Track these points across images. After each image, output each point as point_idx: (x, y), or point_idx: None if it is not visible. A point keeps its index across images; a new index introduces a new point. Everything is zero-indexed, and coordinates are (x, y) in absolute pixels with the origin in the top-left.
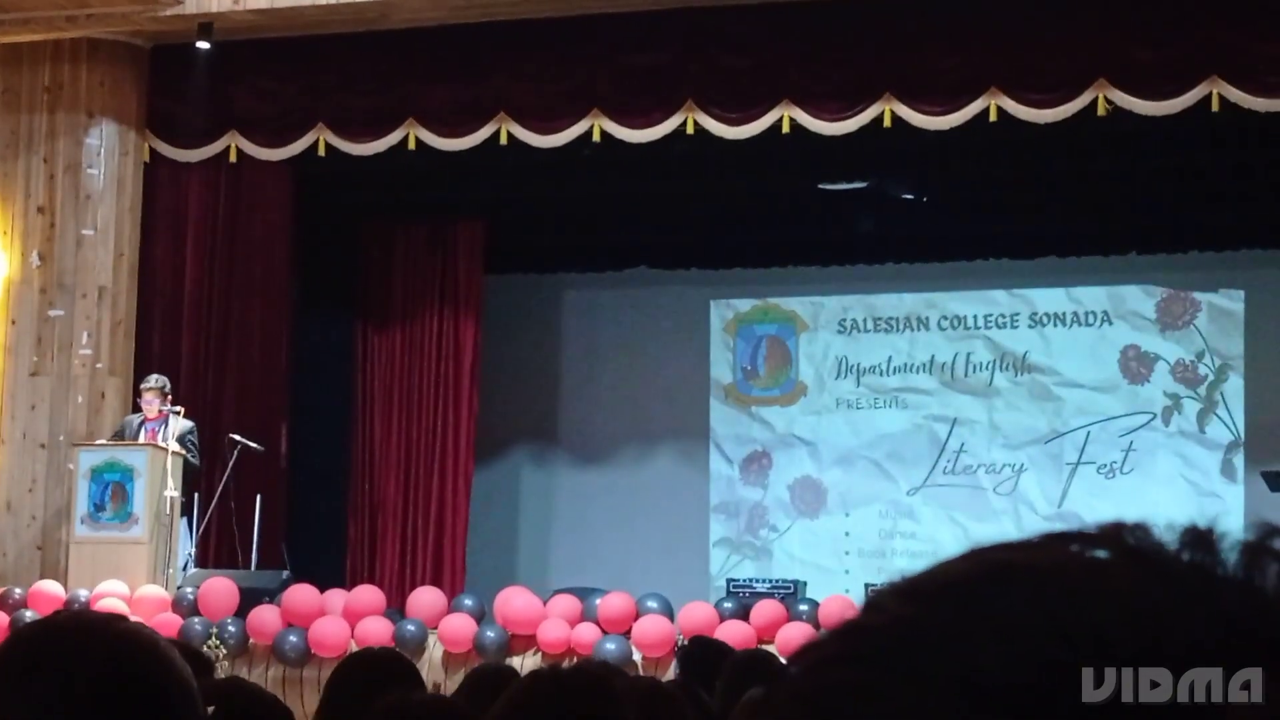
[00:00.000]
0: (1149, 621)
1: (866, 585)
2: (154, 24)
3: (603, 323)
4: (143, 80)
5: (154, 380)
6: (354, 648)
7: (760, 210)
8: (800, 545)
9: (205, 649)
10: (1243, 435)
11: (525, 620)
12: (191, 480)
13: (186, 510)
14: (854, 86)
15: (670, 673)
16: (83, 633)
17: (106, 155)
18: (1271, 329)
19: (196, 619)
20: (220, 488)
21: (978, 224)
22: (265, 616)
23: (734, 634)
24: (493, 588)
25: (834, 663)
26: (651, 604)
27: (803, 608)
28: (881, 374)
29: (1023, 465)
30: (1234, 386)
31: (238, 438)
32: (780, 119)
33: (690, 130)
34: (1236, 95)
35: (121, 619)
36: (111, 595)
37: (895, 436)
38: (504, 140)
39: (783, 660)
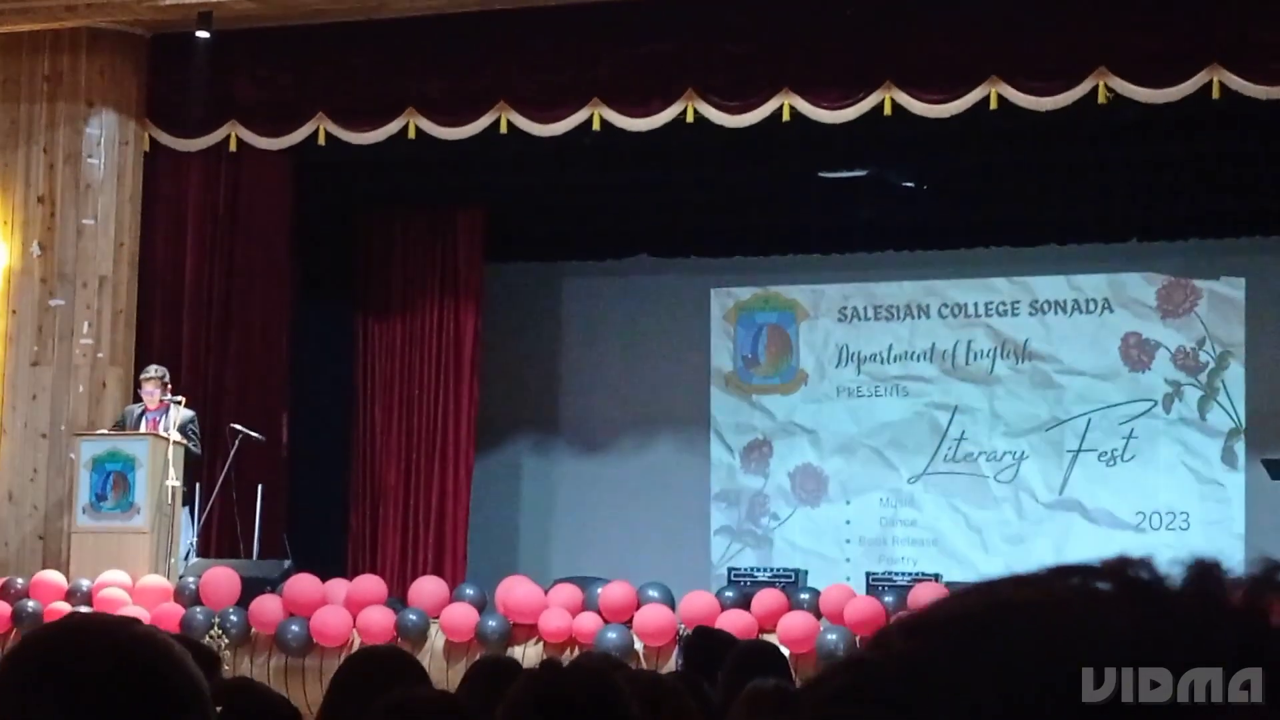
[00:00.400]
0: (1149, 658)
1: (868, 574)
2: (154, 13)
3: (603, 311)
4: (143, 70)
5: (154, 370)
6: (356, 637)
7: (761, 198)
8: (801, 533)
9: (207, 639)
10: (1244, 422)
11: (527, 610)
12: (193, 470)
13: (188, 500)
14: (854, 75)
15: (672, 662)
16: (98, 636)
17: (107, 145)
18: (1272, 316)
19: (198, 609)
20: (221, 477)
21: (978, 212)
22: (267, 606)
23: (735, 623)
24: (494, 577)
25: (840, 698)
26: (653, 593)
27: (804, 596)
28: (882, 362)
29: (1024, 453)
30: (1235, 374)
31: (239, 427)
32: (780, 107)
33: (690, 119)
34: (1237, 83)
35: (135, 622)
36: (113, 585)
37: (896, 424)
38: (504, 129)
39: (784, 651)
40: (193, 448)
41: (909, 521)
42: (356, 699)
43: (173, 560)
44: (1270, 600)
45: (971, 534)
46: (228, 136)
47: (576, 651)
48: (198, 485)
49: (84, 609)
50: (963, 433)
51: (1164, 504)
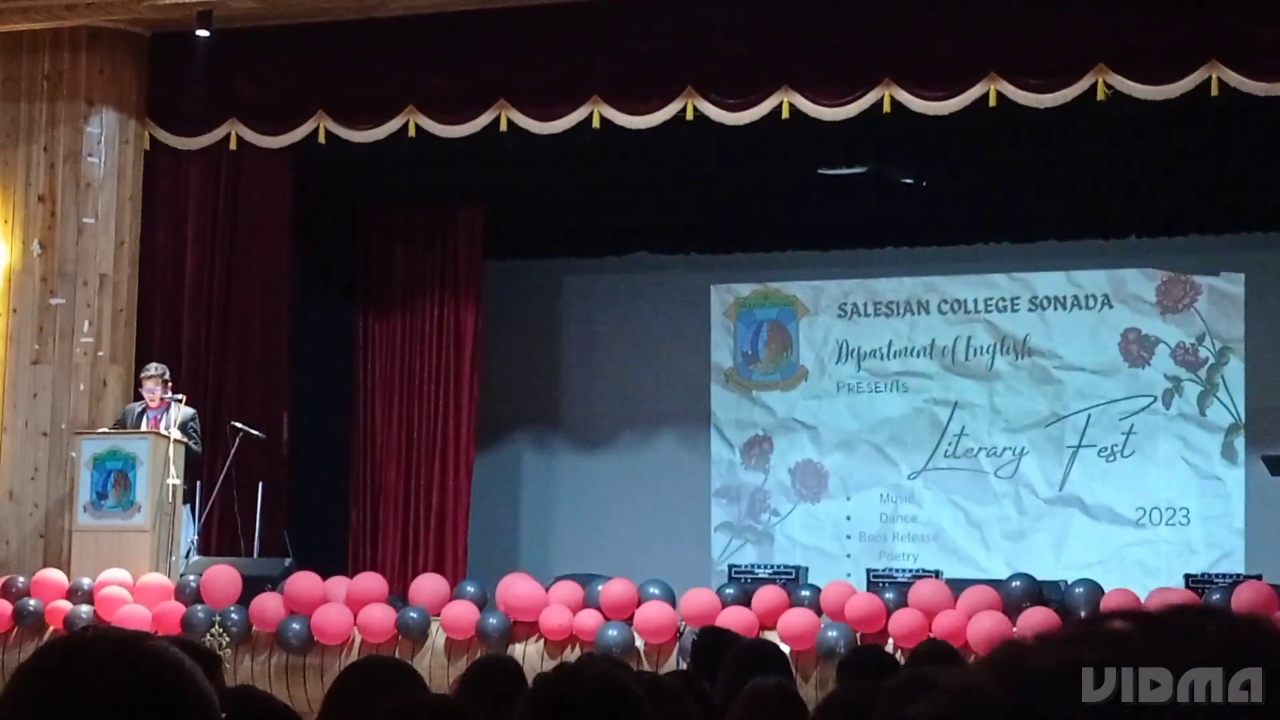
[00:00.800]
0: None
1: (868, 570)
2: (153, 12)
3: (603, 308)
4: (143, 68)
5: (154, 368)
6: (356, 635)
7: (760, 195)
8: (801, 529)
9: (208, 637)
10: (1243, 418)
11: (527, 607)
12: (193, 468)
13: (189, 498)
14: (853, 72)
15: (673, 660)
16: (109, 651)
17: (107, 143)
18: (1272, 312)
19: (199, 607)
20: (222, 475)
21: (978, 208)
22: (268, 604)
23: (736, 620)
24: (494, 574)
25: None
26: (653, 590)
27: (804, 593)
28: (882, 358)
29: (1024, 448)
30: (1234, 369)
31: (239, 425)
32: (780, 104)
33: (690, 116)
34: (1236, 79)
35: (147, 636)
36: (114, 583)
37: (896, 420)
38: (504, 127)
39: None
40: (193, 446)
41: (909, 518)
42: (354, 708)
43: (173, 558)
44: None
45: (972, 530)
46: (228, 135)
47: (577, 649)
48: (198, 483)
49: (85, 607)
50: (963, 428)
51: (1164, 499)
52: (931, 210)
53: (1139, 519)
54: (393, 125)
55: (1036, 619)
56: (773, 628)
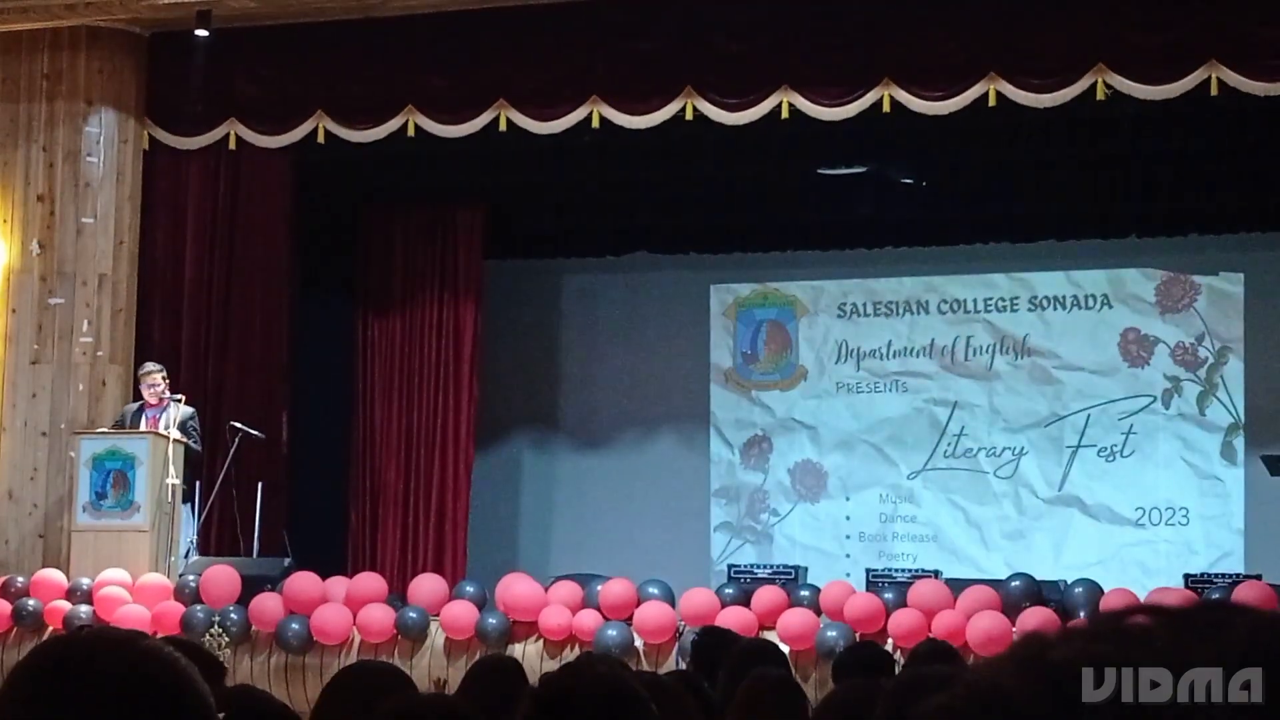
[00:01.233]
0: None
1: (868, 570)
2: (152, 11)
3: (603, 308)
4: (142, 68)
5: (151, 368)
6: (356, 635)
7: (760, 195)
8: (801, 529)
9: (208, 637)
10: (1243, 418)
11: (527, 607)
12: (193, 468)
13: (188, 497)
14: (853, 72)
15: (672, 660)
16: (106, 650)
17: (106, 143)
18: (1271, 312)
19: (198, 607)
20: (221, 475)
21: (977, 208)
22: (267, 604)
23: (735, 620)
24: (494, 574)
25: (945, 711)
26: (653, 590)
27: (804, 593)
28: (881, 358)
29: (1023, 448)
30: (1234, 369)
31: (239, 425)
32: (779, 104)
33: (689, 116)
34: (1235, 79)
35: (144, 636)
36: (113, 583)
37: (895, 420)
38: (503, 127)
39: (784, 648)
40: (193, 445)
41: (908, 517)
42: (347, 712)
43: (173, 558)
44: None
45: (971, 530)
46: (227, 134)
47: (577, 649)
48: (198, 483)
49: (84, 607)
50: (962, 428)
51: (1163, 499)
52: (931, 210)
53: (1138, 519)
54: (392, 125)
55: (1036, 619)
56: (772, 628)
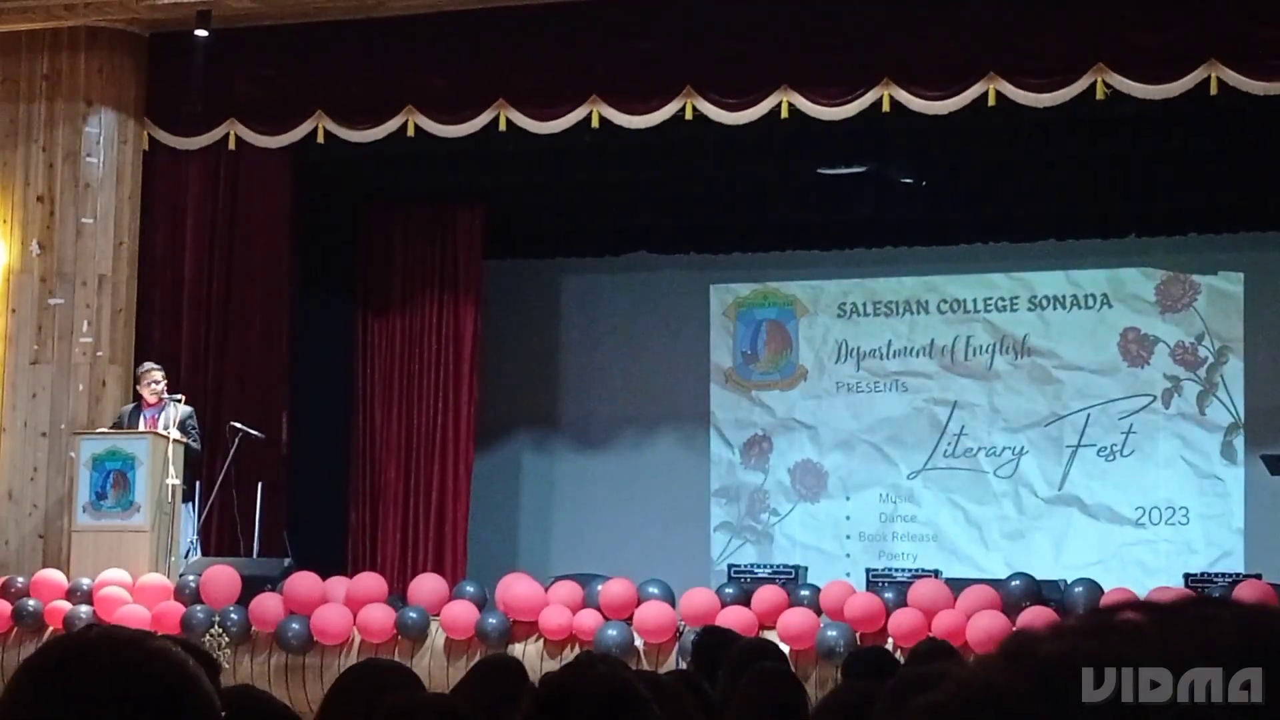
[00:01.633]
0: None
1: (868, 570)
2: (152, 12)
3: (602, 308)
4: (141, 68)
5: (149, 367)
6: (356, 635)
7: (760, 195)
8: (801, 529)
9: (208, 637)
10: (1243, 417)
11: (527, 607)
12: (193, 468)
13: (188, 498)
14: (853, 71)
15: (672, 659)
16: (112, 650)
17: (106, 144)
18: (1271, 311)
19: (199, 607)
20: (221, 475)
21: (977, 207)
22: (267, 604)
23: (736, 619)
24: (494, 574)
25: (939, 709)
26: (653, 590)
27: (804, 593)
28: (881, 357)
29: (1023, 448)
30: (1234, 369)
31: (239, 425)
32: (779, 104)
33: (689, 116)
34: (1235, 78)
35: (151, 636)
36: (113, 584)
37: (895, 420)
38: (503, 127)
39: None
40: (193, 444)
41: (909, 517)
42: (352, 711)
43: (173, 558)
44: None
45: (971, 529)
46: (227, 135)
47: (577, 649)
48: (198, 483)
49: (84, 608)
50: (962, 428)
51: (1163, 499)
52: (931, 210)
53: (1138, 518)
54: (391, 125)
55: (1036, 618)
56: (772, 627)
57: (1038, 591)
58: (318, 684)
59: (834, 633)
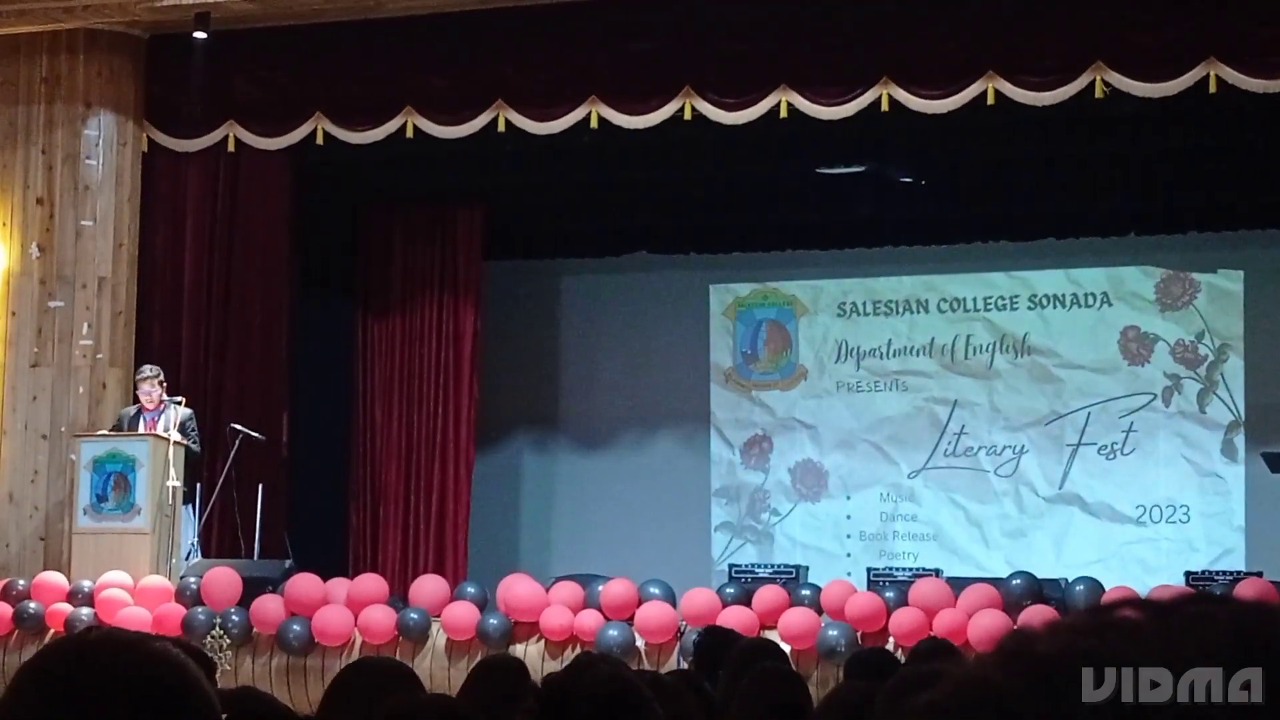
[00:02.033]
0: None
1: (869, 569)
2: (151, 14)
3: (602, 308)
4: (140, 70)
5: (149, 370)
6: (357, 637)
7: (759, 195)
8: (802, 529)
9: (209, 639)
10: (1243, 415)
11: (528, 608)
12: (193, 470)
13: (189, 500)
14: (852, 71)
15: (673, 659)
16: (113, 652)
17: (105, 146)
18: (1271, 309)
19: (200, 609)
20: (222, 477)
21: (976, 206)
22: (268, 606)
23: (736, 619)
24: (495, 575)
25: (934, 711)
26: (654, 590)
27: (805, 592)
28: (881, 357)
29: (1023, 447)
30: (1234, 367)
31: (239, 427)
32: (778, 104)
33: (688, 116)
34: (1234, 76)
35: (152, 638)
36: (115, 586)
37: (896, 419)
38: (502, 127)
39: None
40: (193, 447)
41: (909, 516)
42: (352, 708)
43: (174, 561)
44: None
45: (972, 528)
46: (226, 136)
47: (578, 650)
48: (198, 485)
49: (85, 610)
50: (962, 427)
51: (1164, 497)
52: (930, 209)
53: (1139, 516)
54: (391, 126)
55: (1037, 617)
56: (773, 627)
57: (1039, 590)
58: (319, 685)
59: (835, 632)
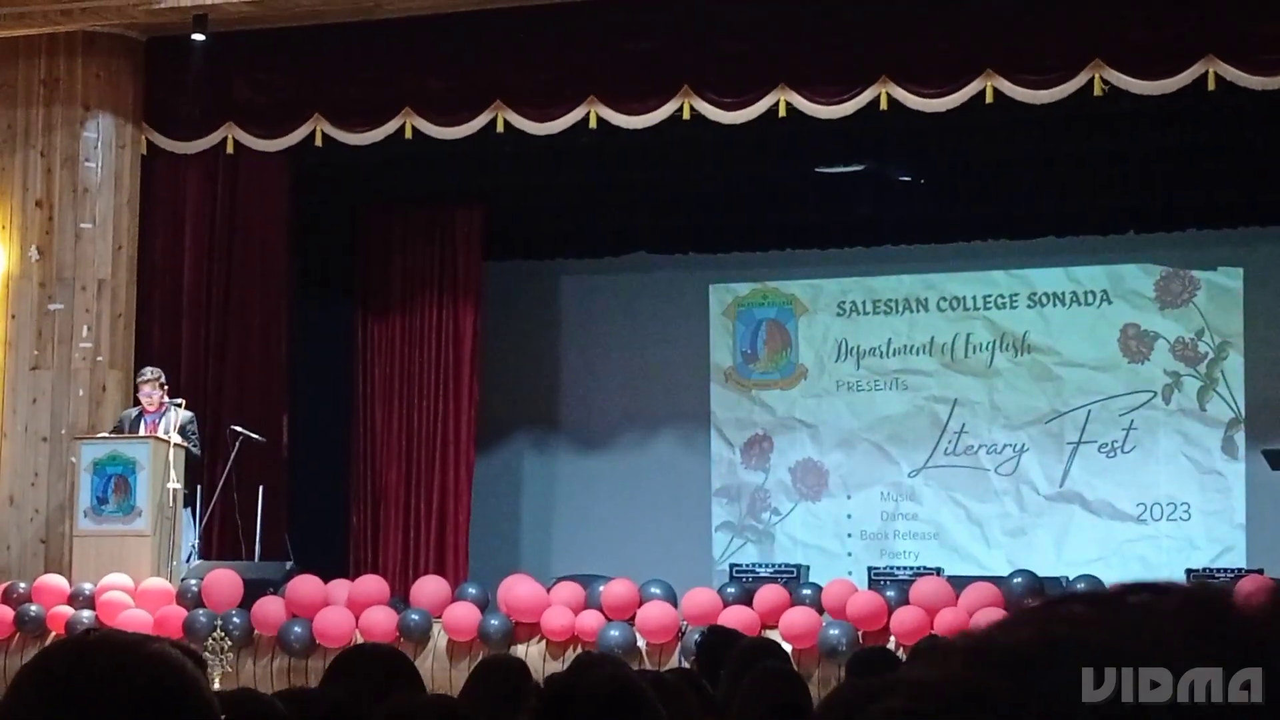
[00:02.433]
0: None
1: (869, 568)
2: (149, 16)
3: (602, 308)
4: (139, 73)
5: (149, 372)
6: (358, 638)
7: (758, 194)
8: (802, 528)
9: (210, 641)
10: (1243, 413)
11: (529, 608)
12: (194, 472)
13: (189, 502)
14: (850, 70)
15: (675, 660)
16: (113, 653)
17: (104, 148)
18: (1270, 306)
19: (201, 611)
20: (222, 479)
21: (976, 205)
22: (269, 608)
23: (738, 619)
24: (496, 576)
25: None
26: (655, 590)
27: (806, 592)
28: (881, 356)
29: (1024, 445)
30: (1234, 364)
31: (239, 429)
32: (777, 103)
33: (687, 116)
34: (1232, 74)
35: (151, 639)
36: (115, 588)
37: (896, 418)
38: (500, 128)
39: (786, 647)
40: (193, 449)
41: (910, 515)
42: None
43: (175, 563)
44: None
45: (973, 527)
46: (225, 138)
47: (579, 650)
48: (199, 487)
49: (86, 613)
50: (963, 426)
51: (1164, 495)
52: (929, 208)
53: (1140, 514)
54: (389, 127)
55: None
56: (774, 626)
57: (1040, 588)
58: None
59: (836, 631)
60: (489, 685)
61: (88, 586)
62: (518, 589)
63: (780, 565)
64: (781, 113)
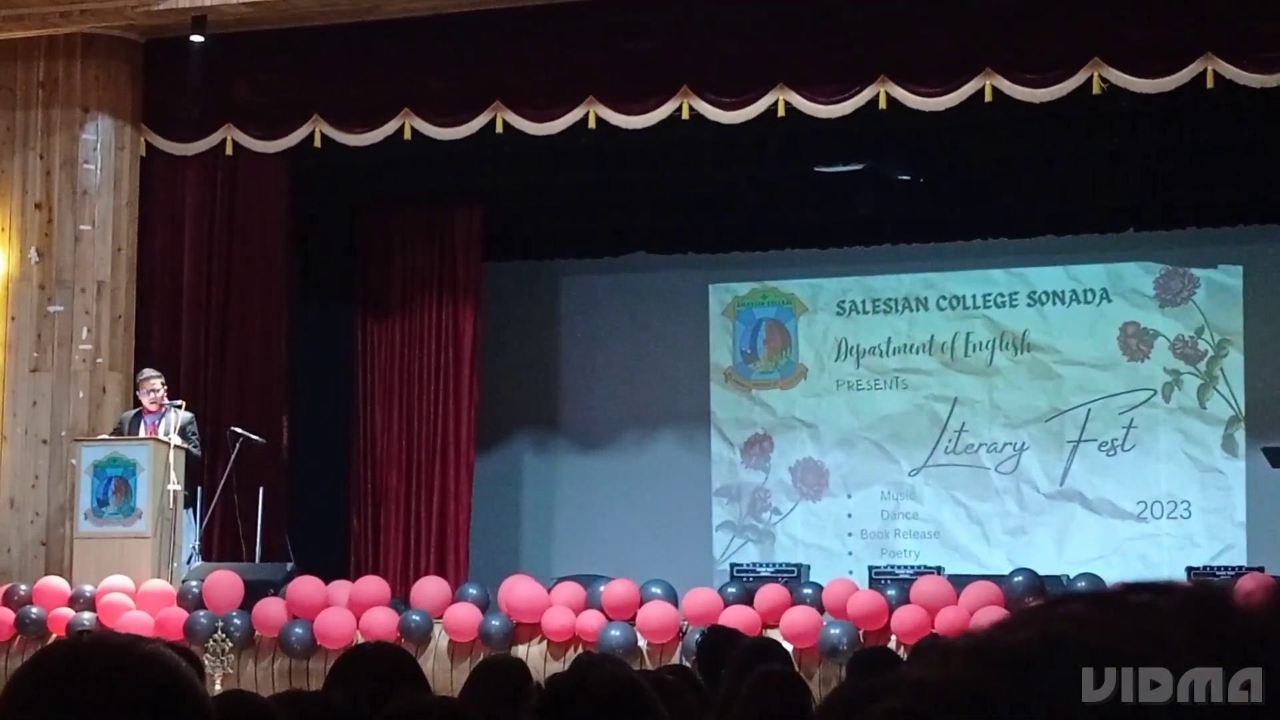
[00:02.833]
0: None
1: (870, 567)
2: (148, 18)
3: (602, 308)
4: (138, 74)
5: (149, 373)
6: (359, 639)
7: (757, 194)
8: (803, 528)
9: (211, 643)
10: (1243, 410)
11: (530, 609)
12: (194, 473)
13: (189, 503)
14: (849, 69)
15: (675, 660)
16: (108, 655)
17: (103, 150)
18: (1270, 304)
19: (201, 613)
20: (223, 481)
21: (975, 204)
22: (270, 609)
23: (738, 618)
24: (496, 576)
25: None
26: (655, 590)
27: (806, 591)
28: (881, 355)
29: (1024, 444)
30: (1234, 362)
31: (239, 430)
32: (776, 103)
33: (686, 115)
34: (1231, 72)
35: (145, 640)
36: (116, 590)
37: (896, 417)
38: (500, 129)
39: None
40: (193, 450)
41: (910, 514)
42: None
43: (175, 564)
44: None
45: (973, 526)
46: (224, 140)
47: (580, 650)
48: (199, 489)
49: (87, 614)
50: (963, 424)
51: (1165, 493)
52: (929, 207)
53: (1140, 513)
54: (389, 128)
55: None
56: (775, 626)
57: (1040, 587)
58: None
59: (837, 631)
60: (490, 686)
61: (88, 589)
62: (518, 589)
63: (781, 565)
64: (780, 112)
